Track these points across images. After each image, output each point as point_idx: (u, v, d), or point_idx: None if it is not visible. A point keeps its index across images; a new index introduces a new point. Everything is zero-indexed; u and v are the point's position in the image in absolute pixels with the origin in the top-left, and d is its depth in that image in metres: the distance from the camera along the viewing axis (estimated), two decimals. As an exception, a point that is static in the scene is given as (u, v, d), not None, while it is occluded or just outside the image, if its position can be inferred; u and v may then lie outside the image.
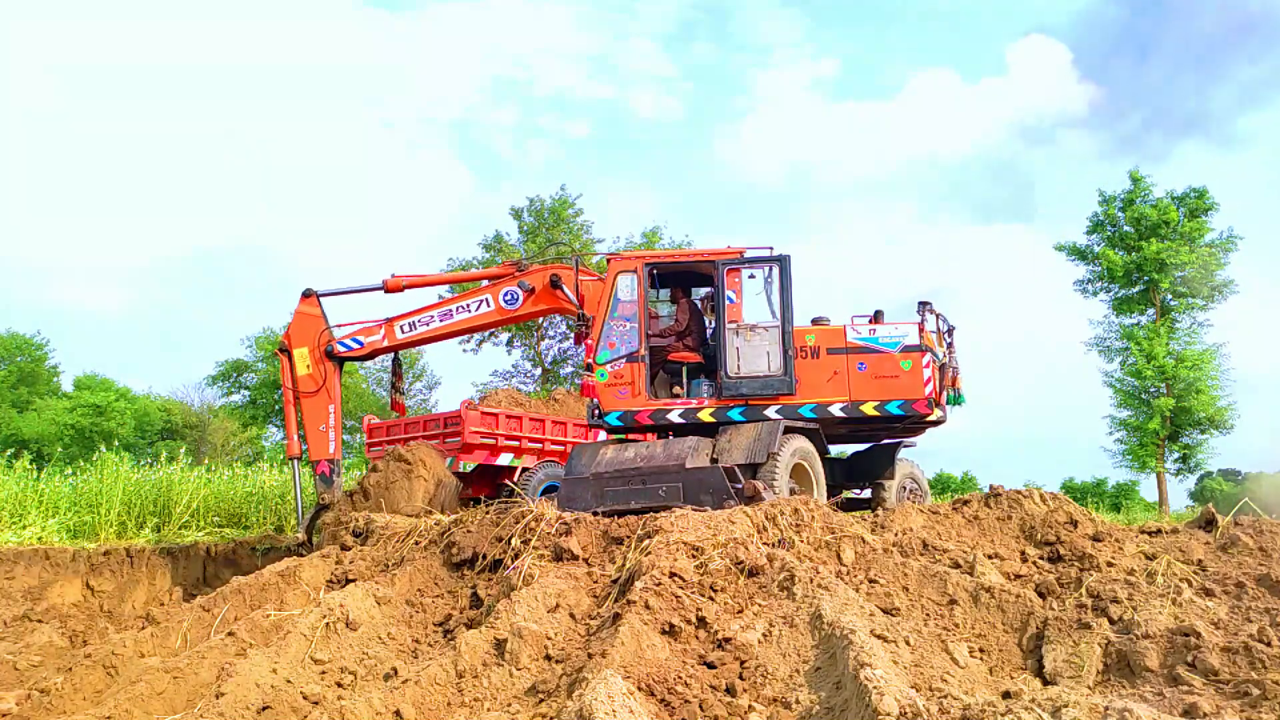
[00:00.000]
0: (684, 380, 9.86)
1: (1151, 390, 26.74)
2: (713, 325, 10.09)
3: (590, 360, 9.76)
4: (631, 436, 10.27)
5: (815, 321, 9.69)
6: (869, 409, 9.22)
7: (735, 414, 9.42)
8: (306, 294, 10.56)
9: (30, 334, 39.39)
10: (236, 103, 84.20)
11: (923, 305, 9.70)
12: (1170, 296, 27.25)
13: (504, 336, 27.22)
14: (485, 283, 11.12)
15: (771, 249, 9.68)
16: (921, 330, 9.41)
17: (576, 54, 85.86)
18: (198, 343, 73.78)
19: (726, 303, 9.56)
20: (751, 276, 9.64)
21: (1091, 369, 29.68)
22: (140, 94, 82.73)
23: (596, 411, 9.70)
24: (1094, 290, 28.74)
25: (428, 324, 10.53)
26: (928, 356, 9.31)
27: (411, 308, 10.76)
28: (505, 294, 10.22)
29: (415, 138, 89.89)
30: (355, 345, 10.55)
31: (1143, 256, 26.54)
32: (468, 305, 10.46)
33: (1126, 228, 27.70)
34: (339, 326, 10.61)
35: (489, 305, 10.28)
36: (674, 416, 9.59)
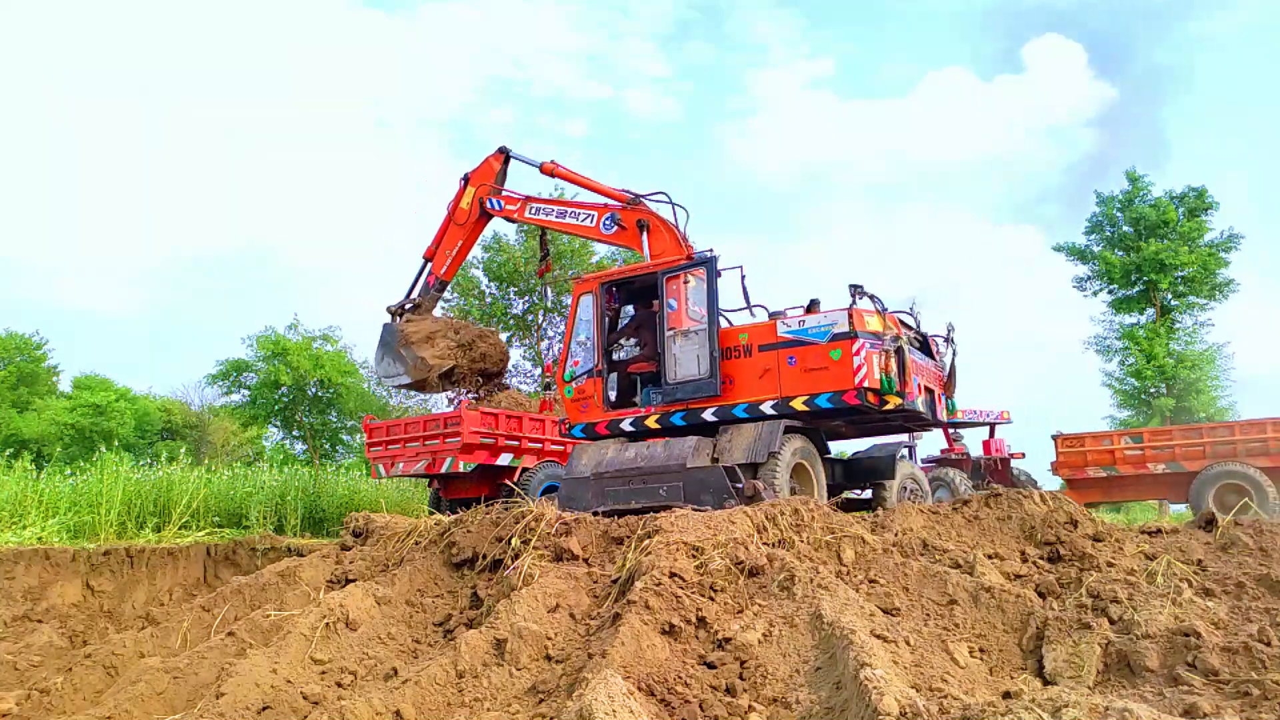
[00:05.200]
0: (639, 390, 10.17)
1: (1152, 390, 26.71)
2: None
3: (559, 378, 10.39)
4: None
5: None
6: (798, 404, 8.90)
7: (677, 419, 9.51)
8: (502, 150, 12.57)
9: (28, 334, 39.31)
10: (236, 104, 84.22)
11: (854, 289, 9.13)
12: (1170, 296, 27.18)
13: (503, 336, 27.23)
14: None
15: (711, 251, 9.80)
16: (853, 316, 8.85)
17: (573, 54, 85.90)
18: (198, 343, 73.80)
19: (668, 310, 9.64)
20: (686, 282, 9.68)
21: (1091, 369, 29.68)
22: (140, 95, 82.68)
23: (565, 425, 10.32)
24: (1094, 290, 28.71)
25: (546, 215, 11.98)
26: (860, 343, 8.71)
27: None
28: (606, 218, 10.98)
29: (413, 138, 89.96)
30: (497, 207, 12.44)
31: (1142, 257, 26.46)
32: (577, 213, 11.53)
33: (1126, 228, 27.62)
34: (500, 190, 12.55)
35: (591, 221, 11.24)
36: (626, 425, 9.83)
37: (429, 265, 13.08)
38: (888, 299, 9.49)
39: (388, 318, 13.01)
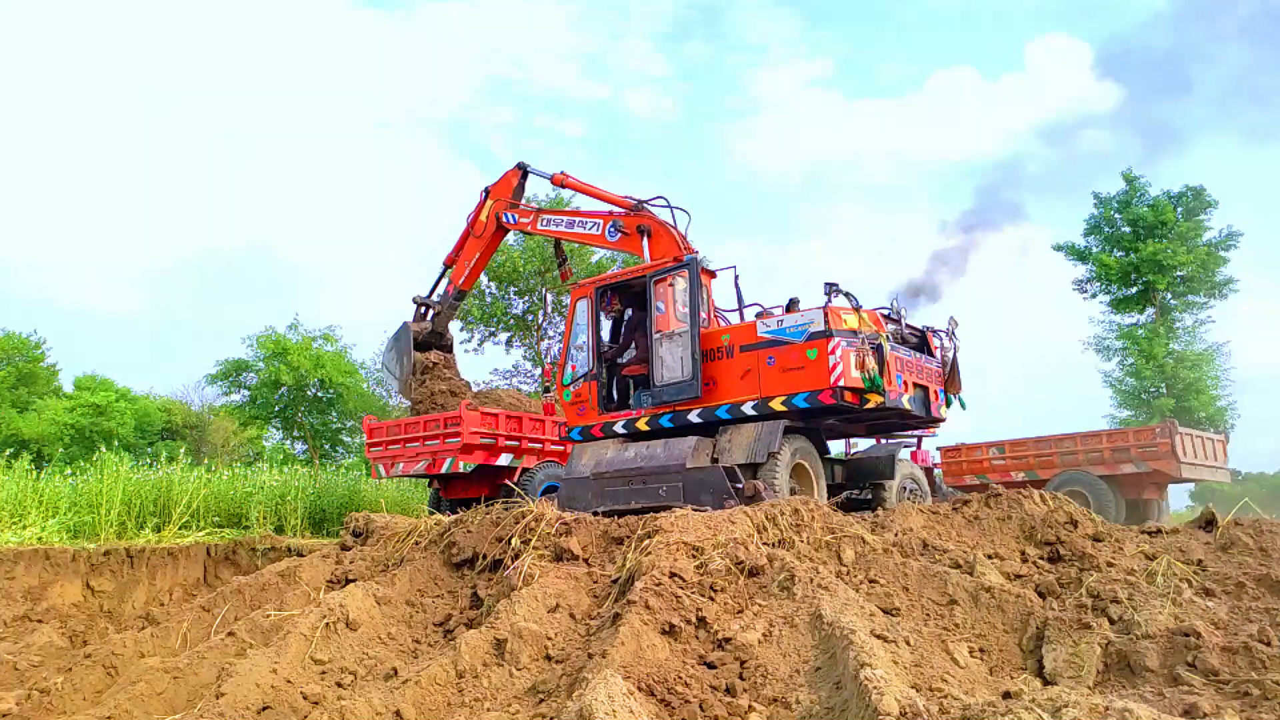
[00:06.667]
0: (632, 393, 10.23)
1: (1151, 390, 26.68)
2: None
3: (559, 382, 10.47)
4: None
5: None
6: (777, 404, 8.81)
7: (665, 421, 9.52)
8: (520, 165, 12.88)
9: (26, 333, 39.19)
10: (236, 104, 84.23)
11: (829, 286, 8.95)
12: (1169, 296, 27.15)
13: (504, 336, 27.23)
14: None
15: (694, 253, 9.80)
16: (828, 314, 8.68)
17: (572, 54, 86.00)
18: (198, 343, 73.87)
19: (655, 313, 9.65)
20: (673, 285, 9.67)
21: (1091, 369, 29.66)
22: (140, 95, 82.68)
23: (564, 428, 10.49)
24: (1092, 291, 28.67)
25: (557, 225, 12.18)
26: (835, 341, 8.54)
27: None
28: (610, 225, 11.04)
29: (413, 138, 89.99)
30: (512, 220, 12.83)
31: (1140, 258, 26.41)
32: (584, 222, 11.67)
33: (1124, 228, 27.57)
34: (517, 204, 12.90)
35: (598, 229, 11.31)
36: (619, 428, 9.89)
37: (448, 272, 13.49)
38: (886, 299, 9.45)
39: (389, 316, 13.46)
